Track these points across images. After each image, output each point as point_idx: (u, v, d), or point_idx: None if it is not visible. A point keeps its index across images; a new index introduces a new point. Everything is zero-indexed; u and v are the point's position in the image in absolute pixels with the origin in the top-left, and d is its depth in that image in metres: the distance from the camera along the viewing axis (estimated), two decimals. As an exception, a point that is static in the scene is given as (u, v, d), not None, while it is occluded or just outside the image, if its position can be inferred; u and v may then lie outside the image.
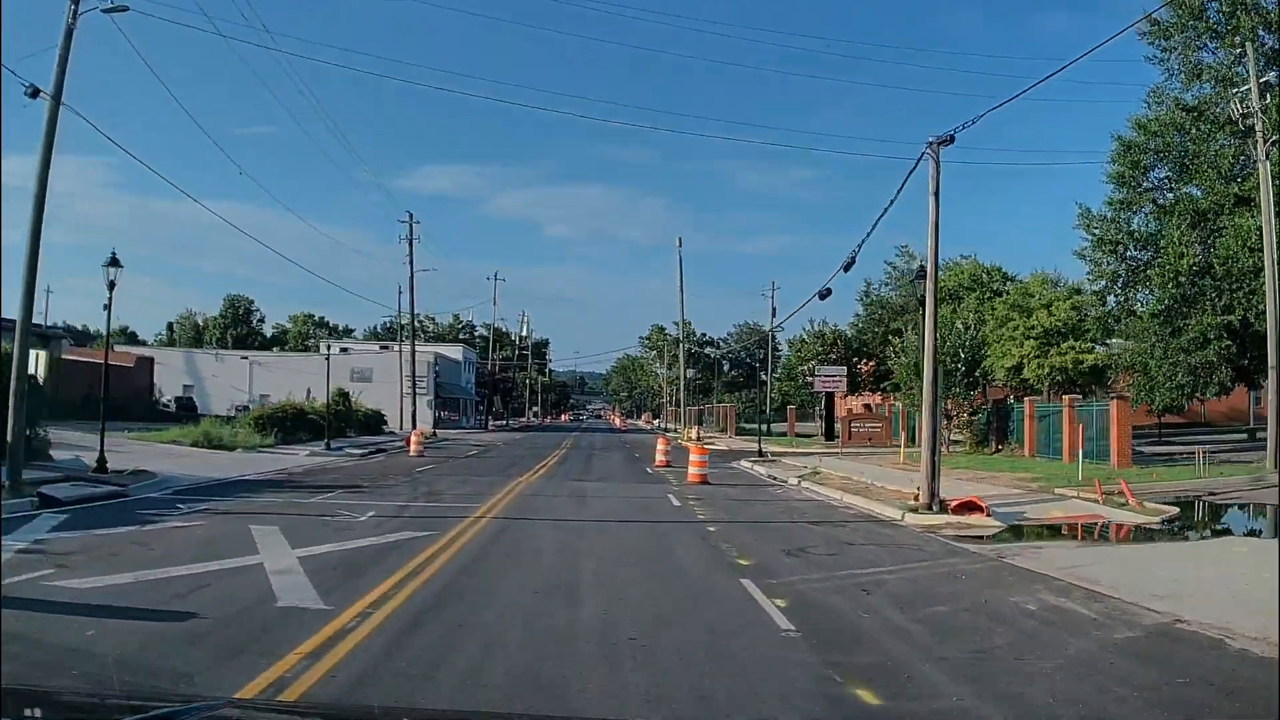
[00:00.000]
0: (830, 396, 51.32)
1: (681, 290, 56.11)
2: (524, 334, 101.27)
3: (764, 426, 66.35)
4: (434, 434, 49.05)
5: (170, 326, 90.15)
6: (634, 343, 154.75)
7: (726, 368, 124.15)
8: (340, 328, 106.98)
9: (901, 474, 24.38)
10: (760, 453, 32.59)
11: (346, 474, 23.31)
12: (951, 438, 34.43)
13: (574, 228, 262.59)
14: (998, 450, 34.31)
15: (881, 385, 51.76)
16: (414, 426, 43.02)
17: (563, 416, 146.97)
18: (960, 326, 33.66)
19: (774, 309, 68.67)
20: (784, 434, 62.65)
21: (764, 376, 51.55)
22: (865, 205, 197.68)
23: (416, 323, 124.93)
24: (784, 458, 33.30)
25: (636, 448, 43.85)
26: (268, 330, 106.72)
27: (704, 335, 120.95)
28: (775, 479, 24.86)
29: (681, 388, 60.21)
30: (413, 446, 31.51)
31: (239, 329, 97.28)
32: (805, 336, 55.64)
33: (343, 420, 43.78)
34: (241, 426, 34.77)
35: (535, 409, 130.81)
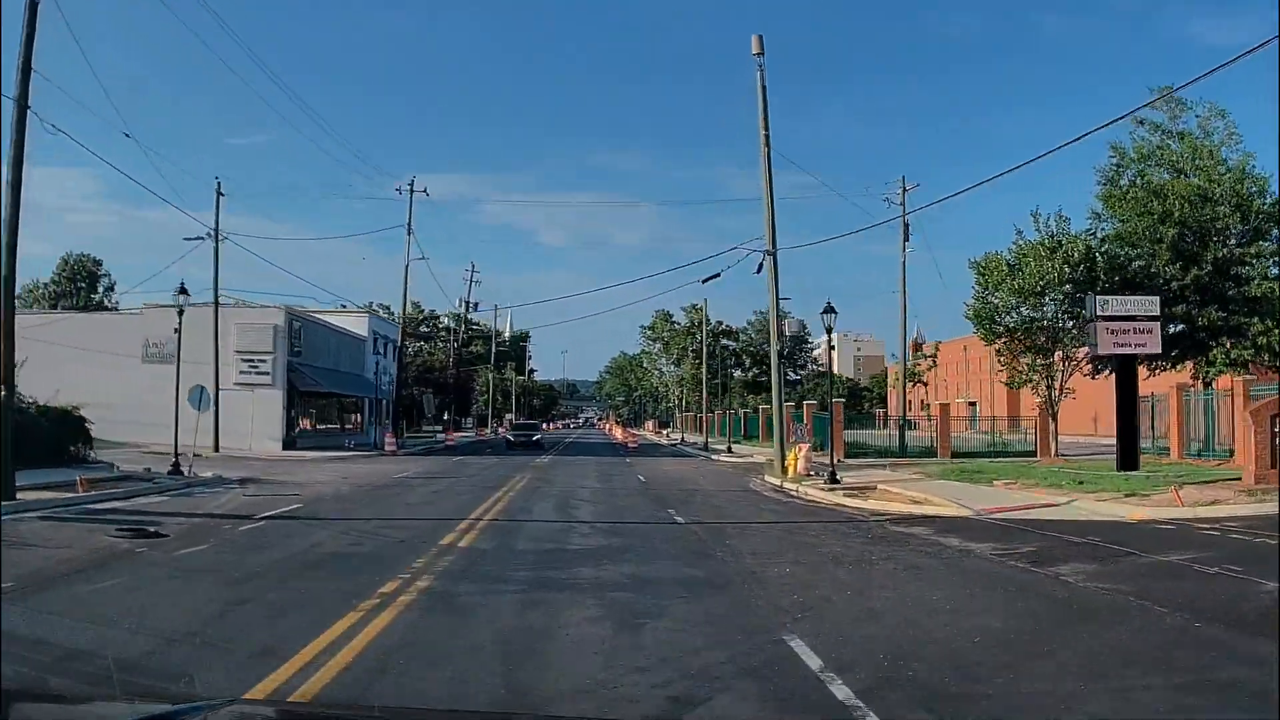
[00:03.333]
0: (1130, 367, 22.17)
1: (765, 122, 26.56)
2: (470, 298, 71.01)
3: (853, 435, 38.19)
4: (198, 470, 19.61)
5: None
6: (626, 347, 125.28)
7: (747, 364, 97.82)
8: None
9: None
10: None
11: None
12: None
13: (565, 234, 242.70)
14: None
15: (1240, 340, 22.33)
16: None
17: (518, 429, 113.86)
18: None
19: (905, 223, 39.68)
20: (899, 450, 34.02)
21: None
22: (865, 206, 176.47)
23: (376, 307, 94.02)
24: None
25: (721, 576, 14.54)
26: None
27: (720, 324, 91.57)
28: None
29: (774, 367, 28.31)
30: None
31: (76, 299, 68.15)
32: (1019, 251, 26.46)
33: None
34: None
35: (510, 416, 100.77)
